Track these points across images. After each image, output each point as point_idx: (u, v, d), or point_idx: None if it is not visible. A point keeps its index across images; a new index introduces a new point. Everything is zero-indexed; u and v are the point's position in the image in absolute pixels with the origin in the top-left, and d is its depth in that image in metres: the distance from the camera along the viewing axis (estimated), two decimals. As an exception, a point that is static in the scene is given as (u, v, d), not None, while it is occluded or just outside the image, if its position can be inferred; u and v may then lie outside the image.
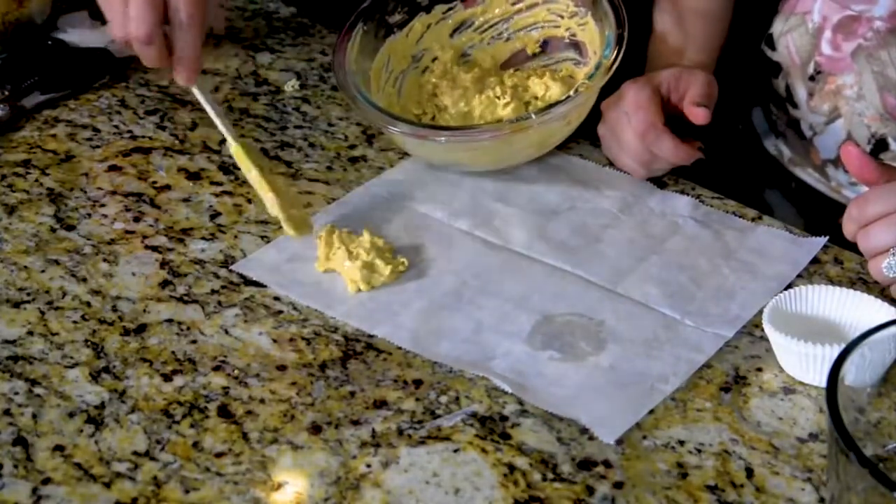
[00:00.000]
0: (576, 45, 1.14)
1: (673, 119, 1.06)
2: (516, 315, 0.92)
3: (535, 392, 0.85)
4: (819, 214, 1.00)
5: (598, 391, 0.85)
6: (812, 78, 1.15)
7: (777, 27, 1.18)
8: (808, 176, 1.19)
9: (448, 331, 0.91)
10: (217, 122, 1.00)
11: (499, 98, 1.10)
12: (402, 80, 1.15)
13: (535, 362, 0.88)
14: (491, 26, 1.18)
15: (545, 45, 1.17)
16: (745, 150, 1.25)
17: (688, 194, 1.07)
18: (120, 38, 0.96)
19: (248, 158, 0.98)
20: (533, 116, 1.02)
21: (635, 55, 1.19)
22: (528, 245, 1.00)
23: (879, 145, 1.12)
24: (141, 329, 0.90)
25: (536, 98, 1.11)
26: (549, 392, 0.85)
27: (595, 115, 1.10)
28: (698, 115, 1.04)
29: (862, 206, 0.90)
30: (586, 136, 1.14)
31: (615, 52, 1.04)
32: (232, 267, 0.96)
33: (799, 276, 0.97)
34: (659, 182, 1.08)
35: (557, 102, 1.03)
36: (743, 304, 0.93)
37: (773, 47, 1.19)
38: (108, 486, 0.77)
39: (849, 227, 0.91)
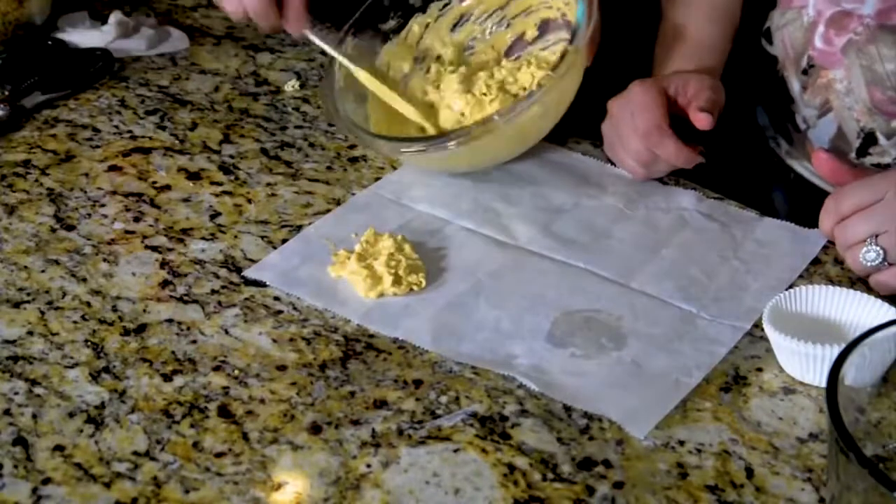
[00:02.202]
0: (569, 25, 1.14)
1: (676, 122, 1.06)
2: (534, 312, 0.92)
3: (561, 389, 0.85)
4: (815, 208, 1.00)
5: (623, 386, 0.86)
6: (805, 72, 1.15)
7: (774, 21, 1.19)
8: (804, 169, 1.20)
9: (468, 330, 0.91)
10: (336, 55, 1.06)
11: (485, 95, 1.10)
12: (405, 85, 1.15)
13: (558, 359, 0.88)
14: (489, 16, 1.18)
15: (544, 27, 1.17)
16: (750, 149, 1.26)
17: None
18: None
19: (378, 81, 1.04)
20: (496, 118, 1.01)
21: (641, 57, 1.19)
22: (537, 242, 1.00)
23: (868, 139, 1.12)
24: (141, 329, 0.90)
25: (525, 89, 1.10)
26: (575, 389, 0.85)
27: (597, 114, 1.10)
28: (702, 121, 1.04)
29: (838, 200, 0.93)
30: (587, 135, 1.14)
31: (582, 39, 1.02)
32: (245, 273, 0.96)
33: (799, 276, 0.97)
34: (660, 181, 1.08)
35: (521, 99, 1.02)
36: (756, 296, 0.93)
37: (770, 41, 1.20)
38: (108, 486, 0.77)
39: (825, 222, 0.94)
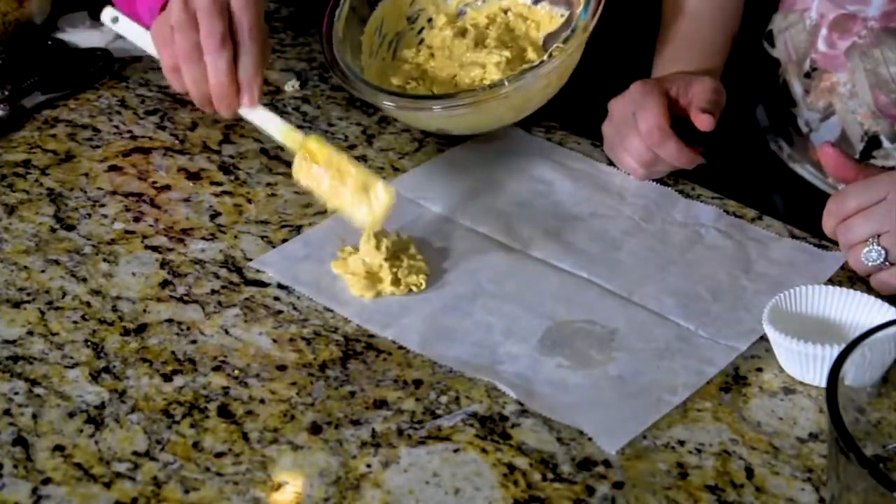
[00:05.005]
0: (567, 1, 1.14)
1: (677, 123, 1.05)
2: (528, 320, 0.92)
3: (540, 398, 0.85)
4: (816, 212, 1.01)
5: (603, 400, 0.85)
6: (808, 75, 1.15)
7: (777, 24, 1.19)
8: (807, 172, 1.20)
9: (458, 334, 0.90)
10: (276, 132, 1.01)
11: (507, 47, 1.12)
12: (396, 43, 1.16)
13: (543, 368, 0.87)
14: None
15: (537, 0, 1.17)
16: (749, 147, 1.26)
17: (687, 195, 1.07)
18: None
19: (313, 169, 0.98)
20: (506, 83, 1.03)
21: (641, 56, 1.19)
22: (545, 250, 0.99)
23: (872, 142, 1.12)
24: (141, 329, 0.90)
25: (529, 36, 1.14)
26: (554, 399, 0.85)
27: (597, 114, 1.10)
28: (704, 122, 1.03)
29: (840, 201, 0.93)
30: (587, 135, 1.14)
31: (592, 14, 1.04)
32: (250, 264, 0.97)
33: (799, 275, 0.97)
34: (663, 182, 1.08)
35: (531, 67, 1.03)
36: (759, 318, 0.89)
37: (772, 44, 1.20)
38: (108, 486, 0.77)
39: (828, 223, 0.94)
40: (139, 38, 1.08)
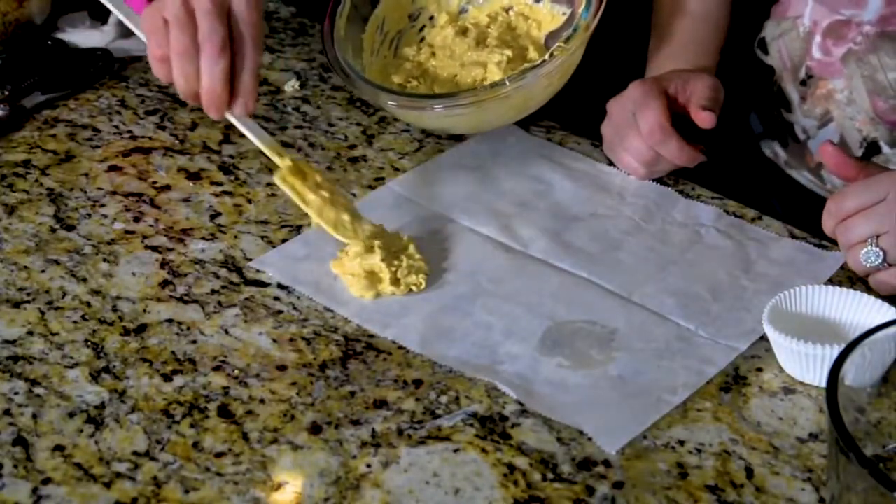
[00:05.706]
0: (569, 0, 1.15)
1: (675, 121, 1.05)
2: (528, 320, 0.92)
3: (540, 398, 0.85)
4: (814, 216, 1.01)
5: (603, 400, 0.85)
6: (803, 82, 1.15)
7: (769, 31, 1.19)
8: (804, 178, 1.20)
9: (458, 334, 0.90)
10: (261, 145, 0.98)
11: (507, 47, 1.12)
12: (398, 41, 1.16)
13: (543, 368, 0.87)
14: None
15: None
16: (743, 153, 1.25)
17: (687, 195, 1.07)
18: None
19: (299, 185, 0.96)
20: (507, 83, 1.02)
21: (640, 57, 1.19)
22: (545, 250, 0.99)
23: (871, 148, 1.12)
24: (141, 329, 0.90)
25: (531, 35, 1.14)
26: (554, 399, 0.85)
27: (597, 114, 1.10)
28: (705, 119, 1.03)
29: (840, 201, 0.93)
30: (587, 135, 1.14)
31: (594, 13, 1.04)
32: (250, 264, 0.97)
33: (799, 275, 0.97)
34: (663, 181, 1.08)
35: (532, 67, 1.03)
36: (759, 318, 0.89)
37: (766, 51, 1.19)
38: (108, 486, 0.77)
39: (828, 223, 0.94)
40: (122, 11, 1.05)
